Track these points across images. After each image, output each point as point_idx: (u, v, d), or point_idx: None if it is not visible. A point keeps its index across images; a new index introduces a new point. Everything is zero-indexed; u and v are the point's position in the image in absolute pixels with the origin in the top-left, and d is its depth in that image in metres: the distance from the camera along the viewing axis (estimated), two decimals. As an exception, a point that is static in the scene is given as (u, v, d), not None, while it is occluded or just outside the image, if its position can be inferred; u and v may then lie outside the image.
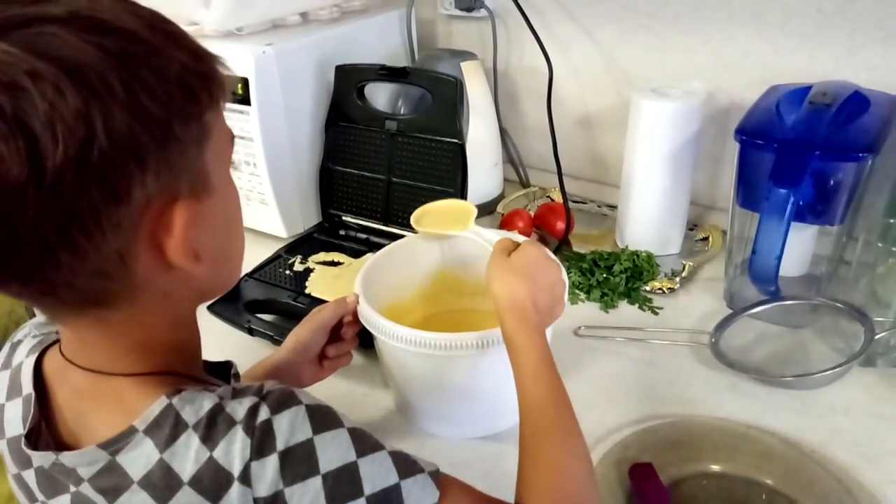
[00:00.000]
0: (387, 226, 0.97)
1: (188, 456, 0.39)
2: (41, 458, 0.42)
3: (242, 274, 0.88)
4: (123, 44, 0.35)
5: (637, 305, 0.85)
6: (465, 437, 0.67)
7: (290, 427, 0.40)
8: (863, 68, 0.82)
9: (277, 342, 0.74)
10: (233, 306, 0.83)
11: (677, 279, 0.88)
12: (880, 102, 0.74)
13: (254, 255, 0.94)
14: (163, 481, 0.39)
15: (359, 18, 1.06)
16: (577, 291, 0.88)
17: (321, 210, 1.03)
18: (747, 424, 0.65)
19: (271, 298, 0.85)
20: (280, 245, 0.97)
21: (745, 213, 0.79)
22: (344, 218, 1.01)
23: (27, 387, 0.45)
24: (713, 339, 0.75)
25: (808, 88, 0.76)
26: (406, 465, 0.44)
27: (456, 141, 0.89)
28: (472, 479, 0.62)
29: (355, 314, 0.67)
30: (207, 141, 0.41)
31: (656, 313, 0.84)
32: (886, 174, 0.73)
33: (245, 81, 0.90)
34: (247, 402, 0.40)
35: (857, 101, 0.73)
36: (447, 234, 0.72)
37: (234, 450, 0.39)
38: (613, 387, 0.73)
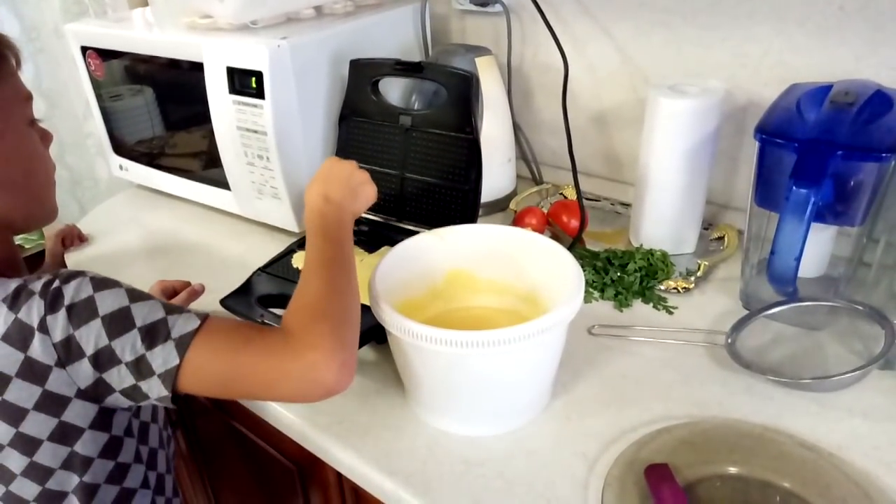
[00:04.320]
0: (400, 221, 0.97)
1: None
2: None
3: (256, 269, 0.89)
4: None
5: (651, 304, 0.85)
6: (478, 435, 0.67)
7: (75, 290, 0.54)
8: (884, 67, 0.81)
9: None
10: (245, 300, 0.83)
11: (692, 278, 0.87)
12: (903, 102, 0.73)
13: (266, 250, 0.93)
14: None
15: (373, 13, 1.06)
16: (591, 290, 0.87)
17: (334, 205, 1.03)
18: (764, 426, 0.65)
19: (284, 293, 0.85)
20: (292, 240, 0.97)
21: (763, 213, 0.78)
22: (357, 213, 1.01)
23: None
24: (729, 340, 0.74)
25: (828, 87, 0.75)
26: (173, 308, 0.57)
27: (470, 136, 0.88)
28: (485, 478, 0.63)
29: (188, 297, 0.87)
30: None
31: (671, 313, 0.83)
32: (908, 175, 0.72)
33: (259, 75, 0.89)
34: (43, 279, 0.55)
35: (879, 100, 0.72)
36: None
37: (32, 310, 0.53)
38: (627, 386, 0.72)
